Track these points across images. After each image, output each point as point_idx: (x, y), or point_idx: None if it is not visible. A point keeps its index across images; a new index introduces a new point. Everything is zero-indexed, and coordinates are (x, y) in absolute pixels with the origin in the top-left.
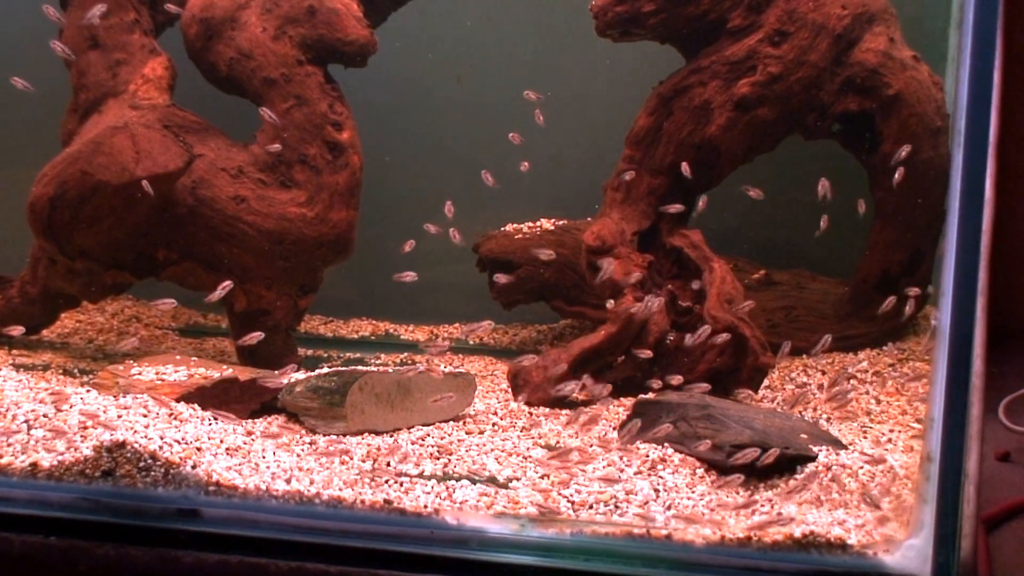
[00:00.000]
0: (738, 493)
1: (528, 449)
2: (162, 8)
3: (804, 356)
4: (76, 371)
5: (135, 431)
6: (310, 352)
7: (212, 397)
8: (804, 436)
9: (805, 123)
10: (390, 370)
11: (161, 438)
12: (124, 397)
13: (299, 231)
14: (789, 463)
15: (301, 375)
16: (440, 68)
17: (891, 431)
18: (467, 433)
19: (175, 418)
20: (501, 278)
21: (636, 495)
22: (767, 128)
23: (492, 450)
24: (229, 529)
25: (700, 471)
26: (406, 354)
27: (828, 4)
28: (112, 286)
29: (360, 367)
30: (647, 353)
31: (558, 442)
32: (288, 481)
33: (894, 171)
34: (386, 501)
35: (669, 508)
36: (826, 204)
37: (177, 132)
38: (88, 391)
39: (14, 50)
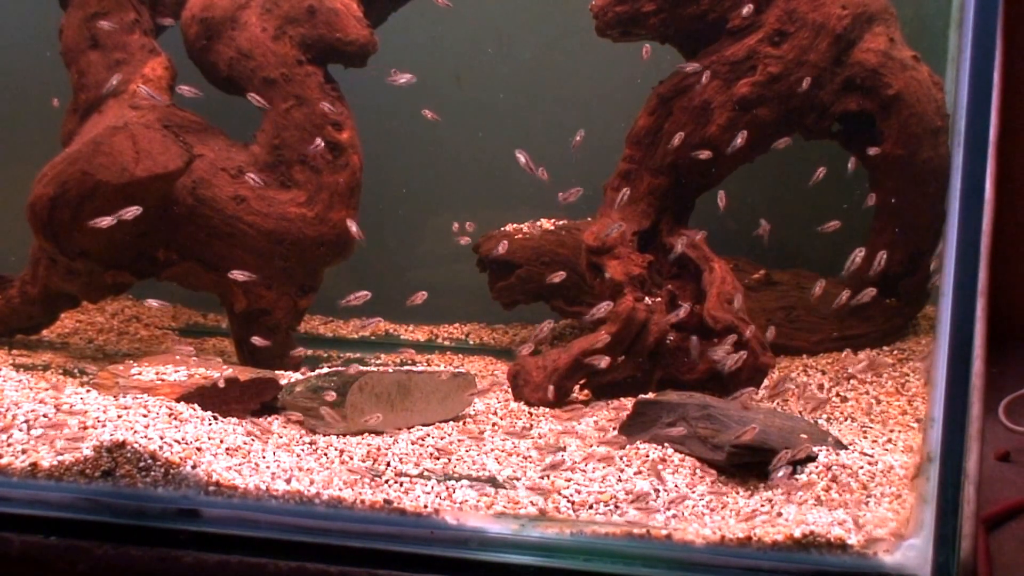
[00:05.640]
0: (738, 493)
1: (528, 449)
2: (162, 8)
3: (804, 356)
4: (76, 371)
5: (135, 431)
6: (310, 352)
7: (212, 397)
8: (804, 436)
9: (805, 123)
10: (390, 370)
11: (161, 438)
12: (124, 397)
13: (299, 231)
14: (789, 463)
15: (300, 375)
16: (440, 68)
17: (891, 431)
18: (467, 433)
19: (175, 418)
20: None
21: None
22: (767, 128)
23: (492, 450)
24: (229, 529)
25: (700, 471)
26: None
27: (828, 4)
28: (112, 286)
29: (360, 367)
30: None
31: (557, 441)
32: (288, 481)
33: (894, 171)
34: (386, 501)
35: (669, 508)
36: (825, 203)
37: (177, 132)
38: (88, 391)
39: (14, 51)
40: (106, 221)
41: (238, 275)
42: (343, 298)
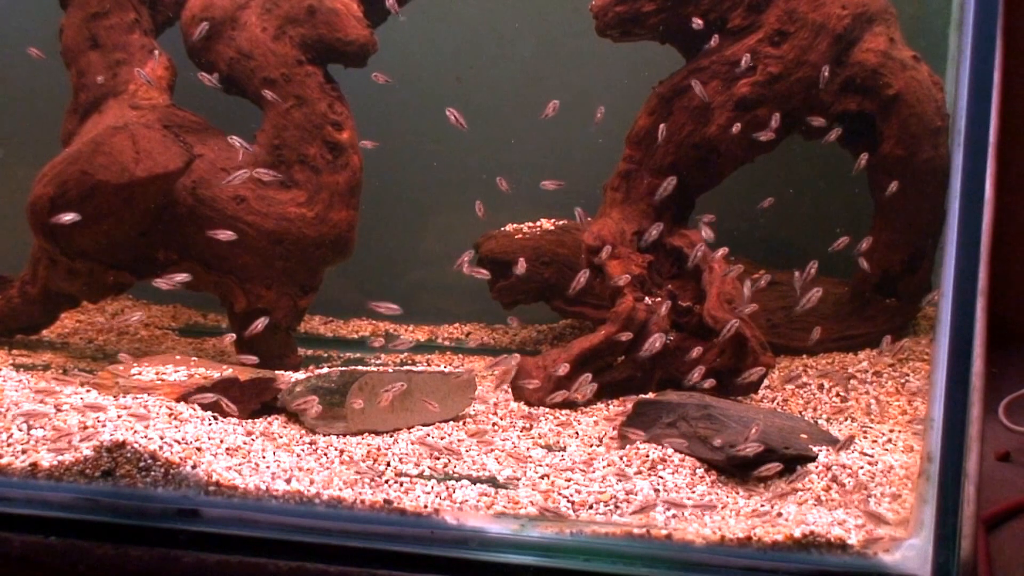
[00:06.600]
0: (738, 493)
1: (528, 449)
2: (162, 8)
3: (804, 356)
4: (76, 371)
5: (135, 431)
6: (310, 352)
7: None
8: (804, 436)
9: (805, 123)
10: (390, 370)
11: (161, 438)
12: (124, 397)
13: (299, 231)
14: (789, 463)
15: (302, 375)
16: (440, 68)
17: (891, 431)
18: (467, 433)
19: (175, 418)
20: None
21: (636, 495)
22: (767, 128)
23: (492, 450)
24: (229, 529)
25: (700, 471)
26: (406, 354)
27: (828, 4)
28: (112, 286)
29: (360, 367)
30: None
31: (557, 442)
32: (288, 481)
33: (894, 171)
34: (386, 501)
35: (669, 508)
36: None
37: (177, 132)
38: (88, 391)
39: (13, 51)
40: (225, 235)
41: (162, 283)
42: (373, 302)
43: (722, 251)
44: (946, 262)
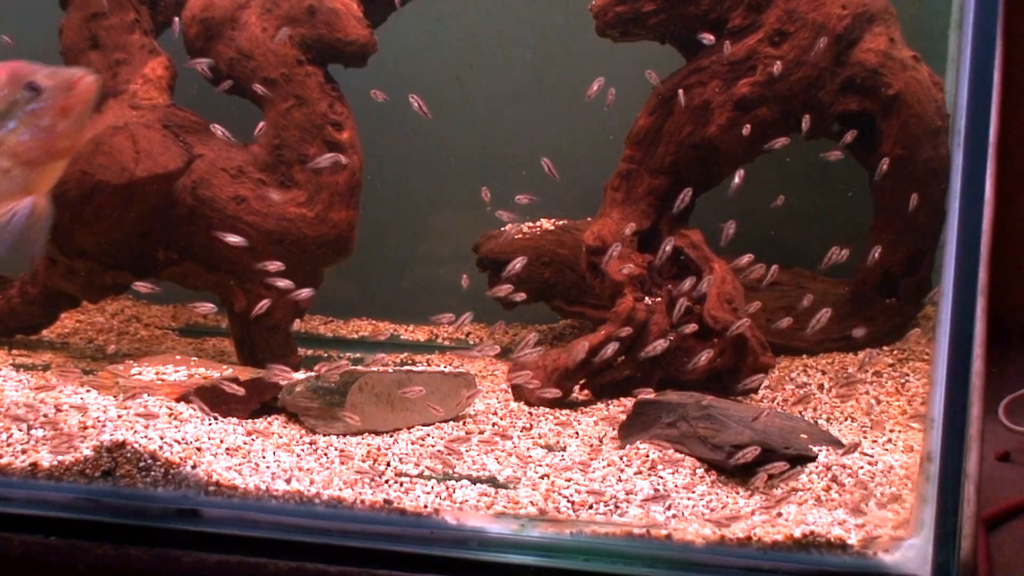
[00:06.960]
0: (738, 493)
1: (528, 449)
2: (162, 8)
3: (804, 356)
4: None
5: (135, 431)
6: (310, 352)
7: (212, 397)
8: (804, 436)
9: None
10: (390, 370)
11: (161, 438)
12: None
13: (299, 231)
14: (789, 463)
15: (302, 375)
16: (440, 68)
17: (891, 431)
18: (467, 433)
19: (175, 418)
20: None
21: (636, 495)
22: (767, 128)
23: (492, 450)
24: (229, 529)
25: (700, 471)
26: (406, 354)
27: (828, 4)
28: (112, 286)
29: (360, 367)
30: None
31: (558, 442)
32: (288, 481)
33: (894, 171)
34: (386, 501)
35: (669, 508)
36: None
37: (177, 132)
38: (88, 391)
39: (12, 50)
40: (274, 266)
41: (279, 282)
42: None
43: (747, 257)
44: (946, 262)
